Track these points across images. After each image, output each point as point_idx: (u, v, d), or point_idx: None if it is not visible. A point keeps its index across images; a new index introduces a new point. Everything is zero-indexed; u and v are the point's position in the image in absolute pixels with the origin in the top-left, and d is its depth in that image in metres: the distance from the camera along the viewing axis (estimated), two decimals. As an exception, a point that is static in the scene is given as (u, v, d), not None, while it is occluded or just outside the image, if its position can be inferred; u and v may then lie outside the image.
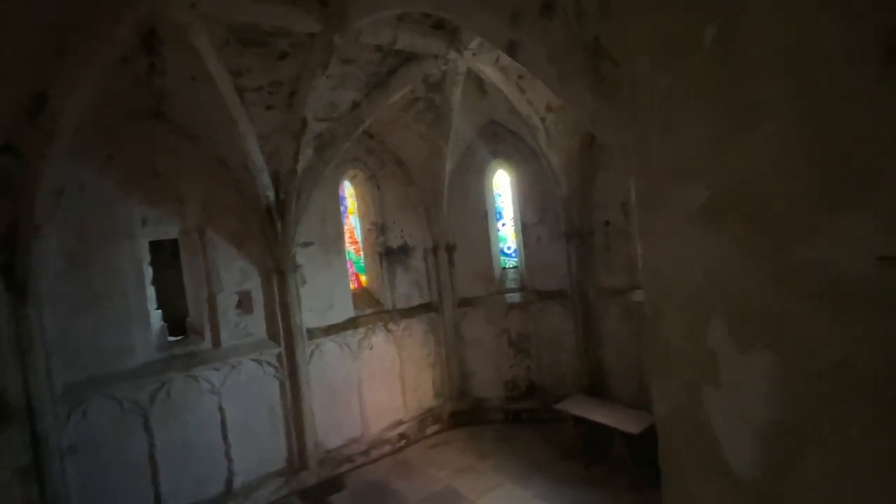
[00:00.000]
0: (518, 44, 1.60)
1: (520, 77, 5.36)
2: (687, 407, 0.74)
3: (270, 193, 5.30)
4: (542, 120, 5.89)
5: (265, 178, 5.15)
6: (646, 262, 0.90)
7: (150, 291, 5.10)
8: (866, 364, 0.56)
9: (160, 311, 5.25)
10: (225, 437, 5.29)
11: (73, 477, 4.36)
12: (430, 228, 7.21)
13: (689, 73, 0.73)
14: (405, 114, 5.98)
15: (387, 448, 6.48)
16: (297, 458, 5.75)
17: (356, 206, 7.12)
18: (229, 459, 5.30)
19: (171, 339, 5.30)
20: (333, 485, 5.79)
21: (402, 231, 7.05)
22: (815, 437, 0.58)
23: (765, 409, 0.61)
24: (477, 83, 5.61)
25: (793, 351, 0.61)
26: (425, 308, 7.19)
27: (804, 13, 0.60)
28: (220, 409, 5.30)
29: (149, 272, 5.10)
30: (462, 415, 7.13)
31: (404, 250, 7.06)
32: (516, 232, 7.38)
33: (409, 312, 7.01)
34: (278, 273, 5.68)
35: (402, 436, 6.68)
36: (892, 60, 0.50)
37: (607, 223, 6.41)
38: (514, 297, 7.18)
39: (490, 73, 5.27)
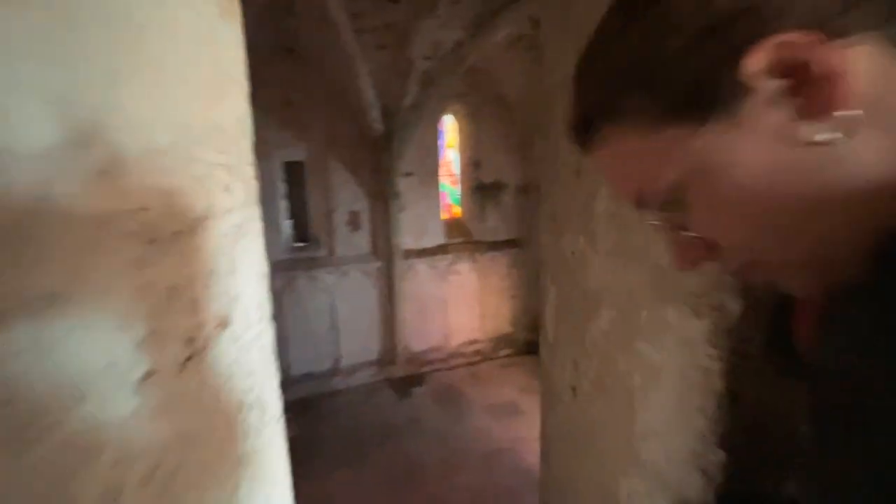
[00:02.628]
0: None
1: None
2: (544, 318, 1.14)
3: (379, 126, 5.89)
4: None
5: (375, 112, 5.72)
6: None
7: (283, 204, 6.23)
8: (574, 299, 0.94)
9: (289, 220, 6.42)
10: (335, 326, 6.54)
11: (231, 336, 5.89)
12: (522, 168, 7.35)
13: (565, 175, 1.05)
14: (508, 52, 5.98)
15: (462, 360, 7.37)
16: (389, 354, 6.89)
17: (455, 140, 7.48)
18: (337, 345, 6.58)
19: (297, 244, 6.50)
20: (416, 380, 6.88)
21: (495, 168, 7.30)
22: (567, 321, 1.00)
23: (553, 310, 1.00)
24: (587, 16, 5.33)
25: (560, 286, 0.99)
26: (511, 244, 7.58)
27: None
28: (332, 305, 6.50)
29: (282, 188, 6.20)
30: (534, 344, 7.63)
31: (496, 186, 7.36)
32: (613, 177, 7.17)
33: (495, 246, 7.46)
34: (382, 198, 6.44)
35: (477, 352, 7.49)
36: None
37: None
38: (601, 243, 7.18)
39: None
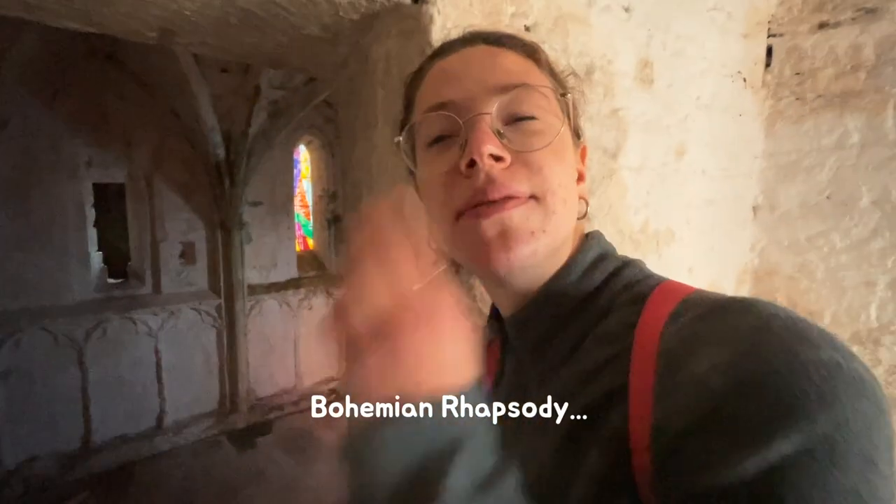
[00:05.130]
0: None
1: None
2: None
3: (221, 152, 5.45)
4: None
5: (216, 137, 5.29)
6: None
7: (92, 233, 5.22)
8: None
9: (101, 252, 5.39)
10: (159, 377, 5.60)
11: (2, 401, 4.59)
12: (380, 201, 7.54)
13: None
14: (364, 89, 6.18)
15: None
16: (229, 402, 6.16)
17: (309, 171, 7.33)
18: (162, 398, 5.64)
19: (111, 281, 5.47)
20: (262, 429, 6.26)
21: (352, 201, 7.34)
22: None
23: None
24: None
25: None
26: (368, 276, 7.60)
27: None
28: (157, 351, 5.58)
29: (91, 214, 5.21)
30: (391, 377, 7.71)
31: (353, 219, 7.39)
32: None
33: (351, 278, 7.40)
34: (224, 228, 5.89)
35: (332, 391, 7.20)
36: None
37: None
38: (452, 275, 7.72)
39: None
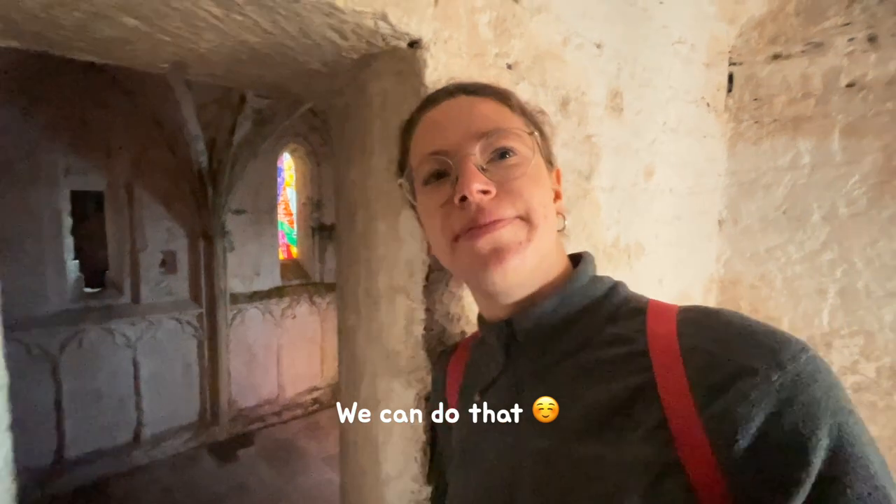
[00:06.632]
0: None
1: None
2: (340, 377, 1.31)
3: (204, 160, 5.42)
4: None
5: (199, 145, 5.26)
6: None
7: (69, 241, 5.12)
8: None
9: (77, 261, 5.28)
10: (137, 389, 5.49)
11: (-28, 416, 4.43)
12: (364, 210, 7.56)
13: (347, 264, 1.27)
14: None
15: (299, 411, 6.93)
16: (210, 414, 6.06)
17: (294, 179, 7.32)
18: (139, 411, 5.52)
19: (88, 290, 5.36)
20: (243, 440, 6.17)
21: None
22: (349, 384, 1.18)
23: (343, 371, 1.19)
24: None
25: (346, 353, 1.19)
26: (352, 284, 7.60)
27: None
28: (135, 362, 5.47)
29: (68, 222, 5.11)
30: (375, 385, 7.68)
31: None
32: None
33: (335, 287, 7.38)
34: (206, 237, 5.84)
35: (315, 400, 7.15)
36: None
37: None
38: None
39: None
